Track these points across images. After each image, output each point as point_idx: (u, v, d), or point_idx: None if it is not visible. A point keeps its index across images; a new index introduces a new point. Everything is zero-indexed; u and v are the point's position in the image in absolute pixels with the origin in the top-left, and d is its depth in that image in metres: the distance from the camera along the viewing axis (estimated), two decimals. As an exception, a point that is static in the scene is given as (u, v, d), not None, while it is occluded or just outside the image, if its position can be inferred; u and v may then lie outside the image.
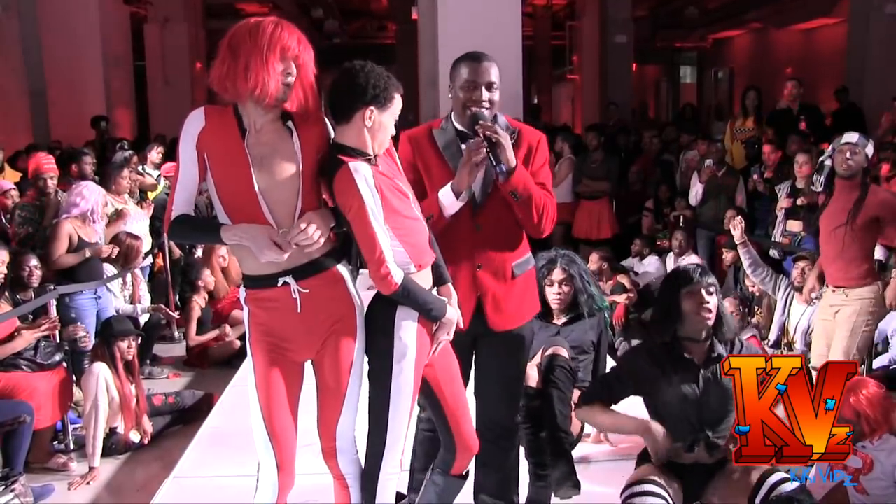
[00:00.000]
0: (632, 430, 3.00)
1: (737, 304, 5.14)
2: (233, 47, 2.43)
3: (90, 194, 5.45)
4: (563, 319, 3.80)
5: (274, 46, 2.42)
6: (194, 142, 2.48)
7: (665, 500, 2.76)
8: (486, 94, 2.76)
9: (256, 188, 2.44)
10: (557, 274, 3.75)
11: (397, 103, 2.54)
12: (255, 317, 2.55)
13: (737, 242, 5.09)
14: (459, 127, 2.84)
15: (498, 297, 2.85)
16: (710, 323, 2.90)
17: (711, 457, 2.92)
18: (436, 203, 2.74)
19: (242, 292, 2.60)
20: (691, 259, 6.83)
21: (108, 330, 4.65)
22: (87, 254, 5.32)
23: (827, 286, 4.31)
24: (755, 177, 7.26)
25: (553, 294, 3.76)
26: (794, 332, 5.28)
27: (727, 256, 6.53)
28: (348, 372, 2.58)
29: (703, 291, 2.88)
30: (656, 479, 2.82)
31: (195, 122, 2.51)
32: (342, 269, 2.57)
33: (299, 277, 2.49)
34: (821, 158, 4.40)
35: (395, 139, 2.68)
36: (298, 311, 2.50)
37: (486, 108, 2.77)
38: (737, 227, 5.02)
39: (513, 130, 2.85)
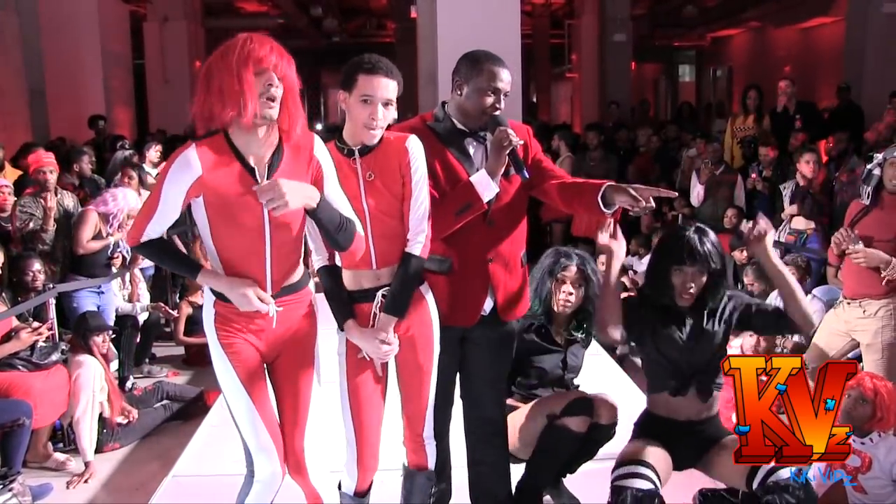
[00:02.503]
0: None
1: None
2: (207, 76, 2.36)
3: (121, 200, 5.56)
4: (564, 336, 3.41)
5: (245, 59, 2.32)
6: (186, 188, 2.39)
7: (652, 481, 2.77)
8: (503, 102, 2.77)
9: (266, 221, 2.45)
10: (571, 272, 3.31)
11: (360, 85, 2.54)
12: (221, 318, 2.53)
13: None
14: (459, 124, 2.82)
15: (509, 287, 2.89)
16: (690, 302, 2.93)
17: (704, 402, 2.96)
18: (471, 190, 2.72)
19: (210, 296, 2.56)
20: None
21: (84, 325, 4.68)
22: (111, 241, 5.48)
23: (843, 297, 4.14)
24: (754, 176, 7.27)
25: (563, 294, 3.31)
26: (791, 336, 5.29)
27: (738, 255, 6.54)
28: (310, 382, 2.66)
29: (691, 279, 2.88)
30: (645, 458, 2.83)
31: (187, 169, 2.37)
32: (311, 284, 2.65)
33: (277, 296, 2.53)
34: (868, 167, 4.08)
35: None
36: (273, 326, 2.54)
37: (504, 117, 2.77)
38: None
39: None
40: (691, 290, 2.90)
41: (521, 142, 2.72)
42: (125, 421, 4.69)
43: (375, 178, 2.60)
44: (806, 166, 6.26)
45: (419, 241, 2.64)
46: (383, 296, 2.64)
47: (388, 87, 2.55)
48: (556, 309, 3.35)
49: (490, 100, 2.75)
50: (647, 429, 3.00)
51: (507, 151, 2.68)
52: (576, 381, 3.48)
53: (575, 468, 3.34)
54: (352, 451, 2.73)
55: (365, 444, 2.72)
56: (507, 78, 2.78)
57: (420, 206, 2.64)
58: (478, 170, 2.76)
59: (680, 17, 17.44)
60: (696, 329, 2.96)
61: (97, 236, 5.46)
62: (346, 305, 2.65)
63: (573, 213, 2.94)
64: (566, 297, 3.31)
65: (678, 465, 2.98)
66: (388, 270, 2.66)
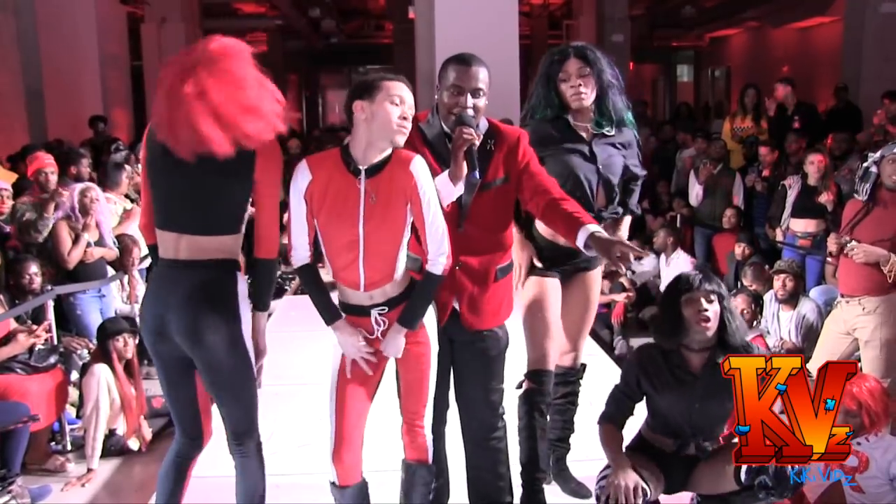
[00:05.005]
0: (609, 458, 2.92)
1: (749, 301, 5.10)
2: None
3: (67, 193, 5.51)
4: (590, 131, 3.08)
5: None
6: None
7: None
8: (470, 101, 2.70)
9: None
10: (572, 66, 3.01)
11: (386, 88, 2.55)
12: None
13: None
14: (444, 127, 2.79)
15: (475, 296, 2.84)
16: (710, 332, 2.84)
17: (701, 457, 2.96)
18: None
19: None
20: (681, 257, 6.84)
21: (103, 332, 4.65)
22: (91, 241, 5.42)
23: (841, 297, 4.15)
24: (753, 176, 7.28)
25: (571, 90, 3.01)
26: (789, 339, 5.30)
27: (737, 251, 6.56)
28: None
29: (703, 299, 2.82)
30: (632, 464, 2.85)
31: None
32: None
33: None
34: (865, 164, 4.07)
35: None
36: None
37: (471, 116, 2.71)
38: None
39: (491, 135, 2.81)
40: (707, 314, 2.81)
41: (477, 142, 2.66)
42: (136, 447, 4.64)
43: (378, 201, 2.58)
44: (811, 167, 6.25)
45: (440, 263, 2.65)
46: (380, 314, 2.65)
47: (411, 97, 2.59)
48: (571, 105, 3.07)
49: (455, 98, 2.71)
50: (640, 450, 3.00)
51: (463, 151, 2.64)
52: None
53: (567, 435, 3.43)
54: (331, 443, 2.74)
55: (343, 438, 2.72)
56: (477, 75, 2.71)
57: (436, 227, 2.63)
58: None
59: (678, 17, 17.46)
60: (706, 392, 2.88)
61: (76, 242, 5.39)
62: (334, 305, 2.68)
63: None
64: (575, 91, 3.03)
65: (668, 489, 2.99)
66: (380, 292, 2.66)
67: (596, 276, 3.34)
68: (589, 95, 3.05)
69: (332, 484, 2.77)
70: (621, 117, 3.15)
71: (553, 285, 3.22)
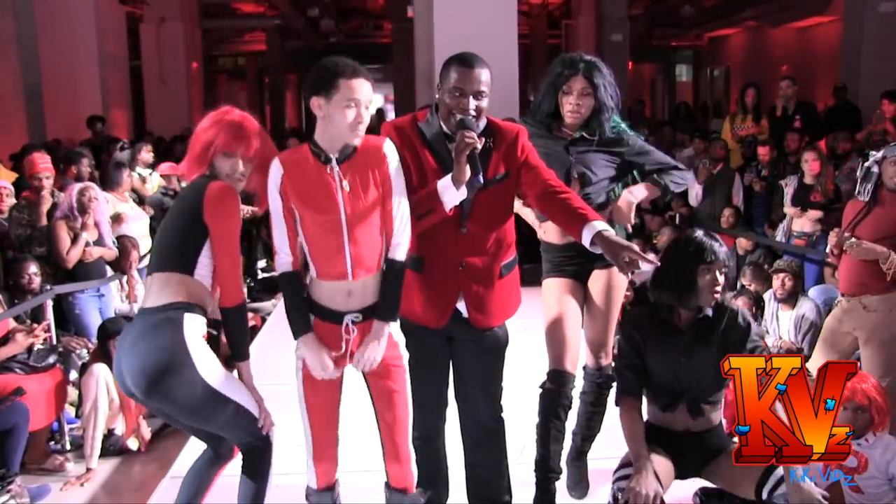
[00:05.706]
0: (631, 453, 2.90)
1: (750, 304, 5.10)
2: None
3: (67, 193, 5.51)
4: (575, 136, 3.24)
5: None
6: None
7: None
8: (472, 103, 2.69)
9: None
10: (578, 83, 3.17)
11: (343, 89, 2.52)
12: None
13: None
14: (444, 128, 2.79)
15: (481, 294, 2.84)
16: (714, 301, 2.92)
17: (694, 420, 2.96)
18: (433, 195, 2.70)
19: None
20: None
21: (104, 332, 4.65)
22: (90, 241, 5.41)
23: (842, 295, 4.15)
24: (751, 175, 7.28)
25: (570, 106, 3.19)
26: (788, 339, 5.30)
27: (745, 244, 6.58)
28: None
29: (718, 271, 2.88)
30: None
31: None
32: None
33: None
34: (866, 164, 4.04)
35: (374, 131, 2.69)
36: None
37: (473, 117, 2.70)
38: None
39: (490, 132, 2.80)
40: (718, 289, 2.89)
41: (479, 146, 2.66)
42: (135, 447, 4.65)
43: (353, 186, 2.58)
44: (805, 164, 6.25)
45: (402, 246, 2.66)
46: (353, 321, 2.64)
47: (370, 89, 2.56)
48: (564, 118, 3.24)
49: (457, 101, 2.69)
50: (649, 437, 2.98)
51: (465, 155, 2.63)
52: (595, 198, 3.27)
53: (586, 435, 3.44)
54: (309, 447, 2.77)
55: (321, 441, 2.76)
56: (480, 77, 2.69)
57: (400, 210, 2.65)
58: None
59: (677, 16, 17.45)
60: (692, 346, 2.93)
61: (75, 242, 5.39)
62: (306, 318, 2.68)
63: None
64: (572, 107, 3.19)
65: (681, 474, 2.98)
66: (360, 285, 2.63)
67: (615, 274, 3.31)
68: (583, 115, 3.20)
69: (310, 488, 2.79)
70: (603, 136, 3.23)
71: (570, 286, 3.28)
